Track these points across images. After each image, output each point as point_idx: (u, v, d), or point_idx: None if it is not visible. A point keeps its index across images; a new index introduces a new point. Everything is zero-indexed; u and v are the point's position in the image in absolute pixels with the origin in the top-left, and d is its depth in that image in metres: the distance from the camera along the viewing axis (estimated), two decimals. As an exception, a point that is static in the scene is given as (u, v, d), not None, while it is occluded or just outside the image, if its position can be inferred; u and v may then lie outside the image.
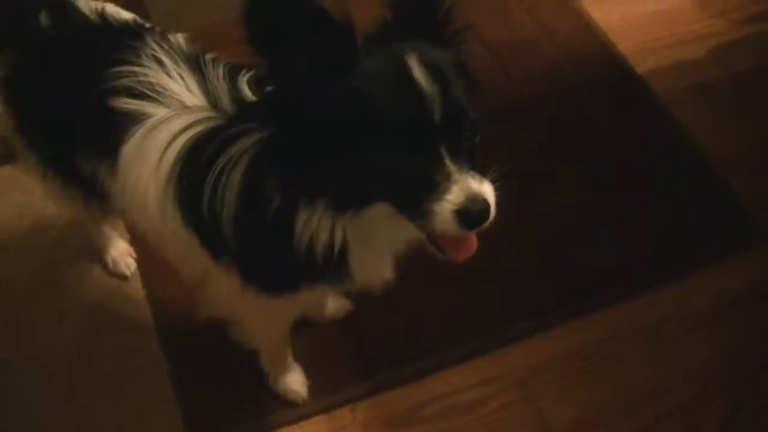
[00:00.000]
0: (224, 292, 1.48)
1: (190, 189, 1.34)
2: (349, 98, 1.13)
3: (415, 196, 1.15)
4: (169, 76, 1.40)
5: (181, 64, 1.42)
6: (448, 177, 1.13)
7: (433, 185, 1.13)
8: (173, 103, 1.38)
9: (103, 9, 1.51)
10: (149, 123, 1.37)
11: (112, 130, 1.39)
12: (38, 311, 1.99)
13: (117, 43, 1.44)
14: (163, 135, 1.36)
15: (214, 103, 1.38)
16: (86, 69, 1.42)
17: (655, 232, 2.13)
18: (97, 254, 2.03)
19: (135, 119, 1.38)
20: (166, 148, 1.36)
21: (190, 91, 1.39)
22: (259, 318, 1.59)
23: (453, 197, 1.13)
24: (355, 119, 1.13)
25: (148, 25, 1.52)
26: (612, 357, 1.93)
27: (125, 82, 1.39)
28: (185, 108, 1.37)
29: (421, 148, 1.13)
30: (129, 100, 1.38)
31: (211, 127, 1.34)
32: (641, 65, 2.47)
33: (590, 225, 2.13)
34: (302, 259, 1.25)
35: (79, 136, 1.47)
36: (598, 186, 2.21)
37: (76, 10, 1.49)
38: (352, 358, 1.91)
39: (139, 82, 1.39)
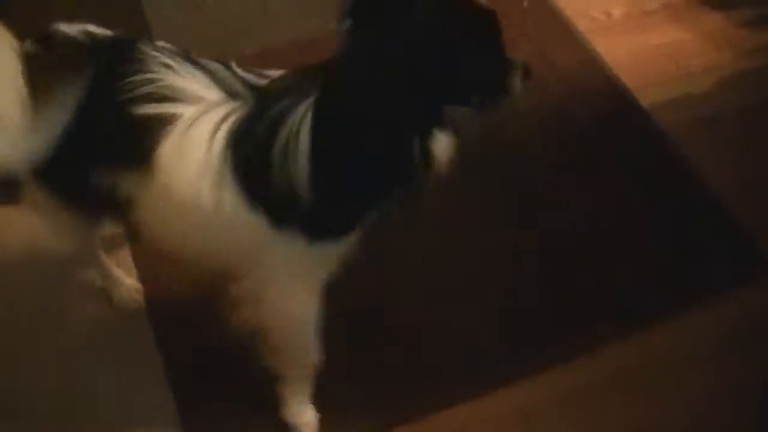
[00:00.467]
0: (281, 260, 1.54)
1: (252, 168, 1.43)
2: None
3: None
4: (181, 76, 1.47)
5: (185, 64, 1.49)
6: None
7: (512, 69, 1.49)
8: (195, 100, 1.45)
9: (86, 29, 1.53)
10: (181, 123, 1.44)
11: (141, 138, 1.44)
12: (41, 348, 1.97)
13: (117, 56, 1.48)
14: (202, 130, 1.43)
15: (231, 93, 1.46)
16: (98, 86, 1.46)
17: (658, 264, 2.12)
18: (103, 291, 2.02)
19: (164, 122, 1.44)
20: (211, 140, 1.43)
21: (205, 87, 1.47)
22: (305, 283, 1.63)
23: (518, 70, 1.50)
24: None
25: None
26: (615, 396, 1.90)
27: (143, 90, 1.44)
28: (209, 103, 1.45)
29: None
30: (154, 105, 1.44)
31: (247, 112, 1.44)
32: (646, 98, 2.46)
33: (593, 258, 2.12)
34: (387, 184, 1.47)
35: (97, 150, 1.50)
36: (601, 220, 2.20)
37: (63, 34, 1.51)
38: (354, 397, 1.90)
39: (157, 87, 1.44)
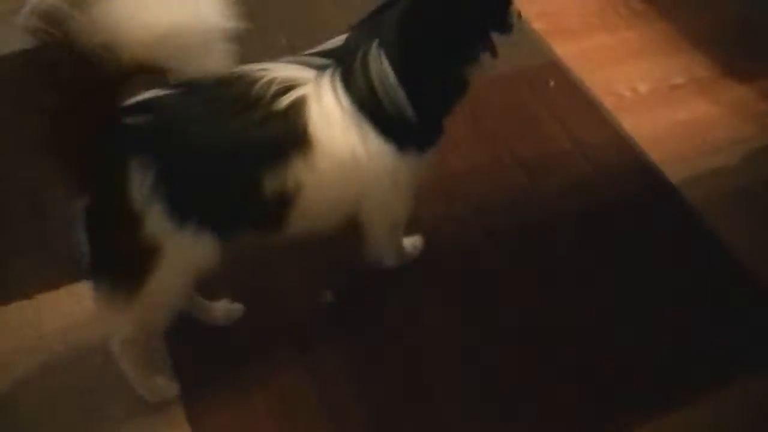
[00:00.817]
0: (405, 176, 1.86)
1: (374, 111, 1.72)
2: None
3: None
4: (282, 70, 1.70)
5: (272, 63, 1.71)
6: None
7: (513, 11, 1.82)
8: (306, 80, 1.70)
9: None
10: (311, 101, 1.68)
11: (293, 124, 1.66)
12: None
13: (220, 90, 1.66)
14: (328, 99, 1.70)
15: (318, 67, 1.73)
16: (231, 117, 1.64)
17: (689, 347, 2.11)
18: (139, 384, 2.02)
19: (300, 104, 1.67)
20: (339, 103, 1.70)
21: (301, 70, 1.72)
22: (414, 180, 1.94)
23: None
24: None
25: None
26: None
27: (271, 90, 1.65)
28: (314, 79, 1.71)
29: None
30: (286, 96, 1.66)
31: (341, 73, 1.72)
32: (674, 174, 2.47)
33: (623, 342, 2.11)
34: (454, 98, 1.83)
35: (265, 159, 1.67)
36: (632, 302, 2.20)
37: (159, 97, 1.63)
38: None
39: (277, 84, 1.66)
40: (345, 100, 1.71)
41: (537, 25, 2.98)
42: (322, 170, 1.70)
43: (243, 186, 1.67)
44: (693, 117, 2.67)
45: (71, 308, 2.18)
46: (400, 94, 1.72)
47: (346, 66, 1.72)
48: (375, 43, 1.71)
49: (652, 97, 2.74)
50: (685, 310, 2.18)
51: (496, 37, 1.80)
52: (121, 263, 1.69)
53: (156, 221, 1.60)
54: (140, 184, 1.57)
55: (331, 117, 1.70)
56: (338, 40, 1.78)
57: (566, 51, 2.89)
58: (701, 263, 2.29)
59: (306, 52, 1.78)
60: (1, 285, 2.25)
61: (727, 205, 2.41)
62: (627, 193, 2.45)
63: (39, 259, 2.30)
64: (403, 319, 2.16)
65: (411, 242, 2.24)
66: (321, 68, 1.72)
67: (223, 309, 2.12)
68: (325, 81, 1.71)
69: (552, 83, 2.75)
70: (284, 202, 1.72)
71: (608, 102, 2.70)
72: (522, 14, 1.84)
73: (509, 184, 2.46)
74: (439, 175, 2.20)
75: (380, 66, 1.71)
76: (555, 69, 2.82)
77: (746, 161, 2.54)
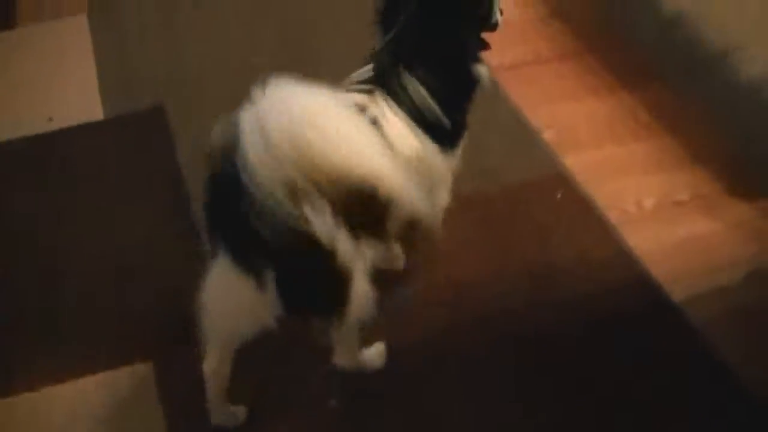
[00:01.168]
0: (445, 171, 2.19)
1: (419, 119, 2.03)
2: None
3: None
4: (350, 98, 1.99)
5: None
6: None
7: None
8: (367, 103, 2.01)
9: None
10: (379, 116, 1.99)
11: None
12: None
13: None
14: (388, 112, 2.00)
15: (365, 92, 2.02)
16: None
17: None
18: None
19: (375, 120, 1.97)
20: (395, 115, 2.01)
21: (358, 98, 2.01)
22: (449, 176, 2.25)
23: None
24: None
25: None
26: None
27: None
28: (369, 102, 2.01)
29: None
30: (364, 115, 1.96)
31: (385, 92, 2.02)
32: (676, 293, 2.48)
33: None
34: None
35: None
36: (633, 414, 2.20)
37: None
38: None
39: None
40: (400, 114, 2.01)
41: (546, 136, 3.05)
42: (404, 169, 1.93)
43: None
44: (696, 234, 2.69)
45: (76, 402, 2.22)
46: (436, 108, 2.05)
47: (388, 89, 2.02)
48: (405, 71, 2.03)
49: (657, 213, 2.77)
50: (687, 425, 2.18)
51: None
52: (335, 292, 1.88)
53: (344, 257, 1.81)
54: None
55: (397, 128, 1.99)
56: (366, 71, 2.08)
57: (574, 162, 2.94)
58: (702, 380, 2.29)
59: (343, 83, 2.07)
60: (8, 377, 2.30)
61: (729, 324, 2.41)
62: (629, 308, 2.46)
63: (45, 353, 2.36)
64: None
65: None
66: (369, 93, 2.01)
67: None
68: (380, 101, 2.00)
69: (559, 195, 2.80)
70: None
71: (613, 216, 2.73)
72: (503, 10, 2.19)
73: (513, 294, 2.49)
74: (443, 284, 2.24)
75: (416, 90, 2.03)
76: (563, 180, 2.86)
77: (749, 279, 2.55)
